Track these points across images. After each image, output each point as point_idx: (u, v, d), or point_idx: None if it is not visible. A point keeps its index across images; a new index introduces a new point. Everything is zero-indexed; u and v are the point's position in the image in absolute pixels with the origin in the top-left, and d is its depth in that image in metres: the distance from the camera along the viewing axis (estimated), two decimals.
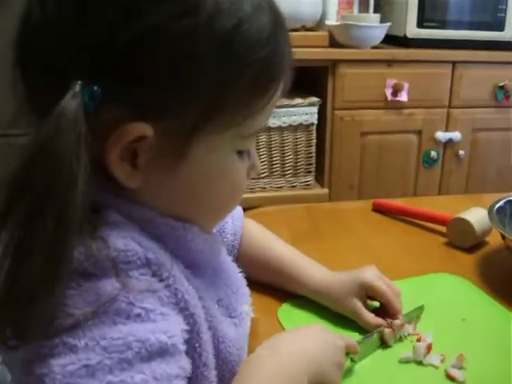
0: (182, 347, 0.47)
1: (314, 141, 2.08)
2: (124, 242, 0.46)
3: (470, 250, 1.01)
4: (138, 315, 0.44)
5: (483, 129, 2.28)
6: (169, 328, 0.46)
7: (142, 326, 0.44)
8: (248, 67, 0.49)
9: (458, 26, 2.19)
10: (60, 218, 0.42)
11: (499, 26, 2.23)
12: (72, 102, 0.43)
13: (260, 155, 2.02)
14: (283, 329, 0.76)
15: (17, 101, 0.49)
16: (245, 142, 0.55)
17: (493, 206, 0.94)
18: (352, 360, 0.68)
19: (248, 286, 0.71)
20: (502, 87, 2.23)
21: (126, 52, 0.45)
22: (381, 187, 2.20)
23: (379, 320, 0.75)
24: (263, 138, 2.01)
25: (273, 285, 0.84)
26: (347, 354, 0.67)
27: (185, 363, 0.47)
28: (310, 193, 2.11)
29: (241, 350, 0.61)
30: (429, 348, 0.71)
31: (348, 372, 0.68)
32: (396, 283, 0.81)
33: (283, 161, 2.07)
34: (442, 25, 2.17)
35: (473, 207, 1.05)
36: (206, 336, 0.53)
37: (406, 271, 0.91)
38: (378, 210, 1.17)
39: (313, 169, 2.12)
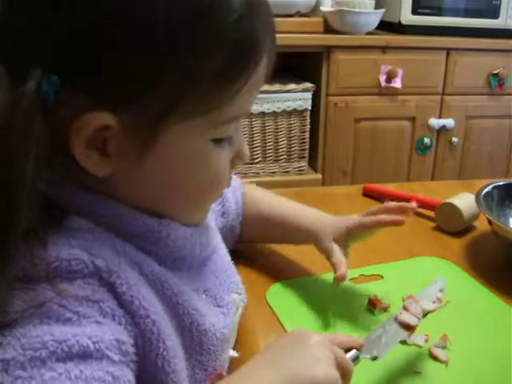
0: (116, 357, 0.44)
1: (308, 126, 2.09)
2: (70, 251, 0.45)
3: (457, 234, 1.02)
4: (69, 319, 0.43)
5: (477, 116, 2.29)
6: (97, 334, 0.44)
7: (66, 328, 0.43)
8: (213, 54, 0.47)
9: (453, 13, 2.20)
10: (6, 210, 0.42)
11: (494, 13, 2.23)
12: (29, 90, 0.42)
13: (254, 140, 2.03)
14: (272, 310, 0.78)
15: None
16: (220, 130, 0.52)
17: (480, 191, 0.96)
18: (374, 358, 0.60)
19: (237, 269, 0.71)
20: (495, 75, 2.24)
21: (83, 41, 0.44)
22: (374, 173, 2.21)
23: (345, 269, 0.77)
24: (257, 123, 2.01)
25: (275, 240, 0.88)
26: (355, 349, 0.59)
27: (120, 373, 0.44)
28: (303, 178, 2.12)
29: (225, 341, 0.61)
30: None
31: None
32: (384, 266, 0.82)
33: (277, 146, 2.08)
34: (437, 12, 2.18)
35: (461, 192, 1.06)
36: (172, 342, 0.52)
37: (394, 255, 0.92)
38: (369, 194, 1.18)
39: (306, 154, 2.13)
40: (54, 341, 0.42)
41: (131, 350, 0.47)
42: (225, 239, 0.82)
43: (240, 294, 0.69)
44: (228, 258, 0.70)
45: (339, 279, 0.75)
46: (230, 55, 0.48)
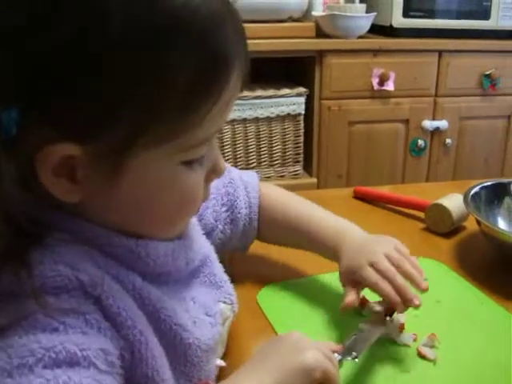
0: (103, 366, 0.45)
1: (302, 131, 2.10)
2: (53, 268, 0.46)
3: (447, 235, 1.03)
4: (56, 329, 0.44)
5: (470, 117, 2.31)
6: (83, 342, 0.44)
7: (53, 336, 0.43)
8: (179, 77, 0.46)
9: (443, 15, 2.21)
10: None
11: (485, 14, 2.25)
12: None
13: (248, 146, 2.05)
14: (263, 314, 0.79)
15: None
16: (191, 153, 0.51)
17: (468, 191, 0.97)
18: (354, 357, 0.62)
19: (228, 273, 0.71)
20: (488, 75, 2.25)
21: (43, 76, 0.44)
22: (369, 176, 2.22)
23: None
24: (252, 128, 2.03)
25: (294, 246, 0.86)
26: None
27: (108, 382, 0.45)
28: (298, 182, 2.13)
29: (211, 352, 0.61)
30: (401, 328, 0.73)
31: None
32: None
33: (271, 151, 2.09)
34: (428, 14, 2.19)
35: (451, 193, 1.07)
36: (159, 352, 0.52)
37: None
38: (360, 197, 1.19)
39: (301, 158, 2.14)
40: (41, 348, 0.42)
41: (117, 362, 0.48)
42: (236, 246, 0.84)
43: (229, 304, 0.69)
44: (219, 268, 0.70)
45: (343, 309, 0.71)
46: (195, 76, 0.47)
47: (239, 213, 0.81)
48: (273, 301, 0.82)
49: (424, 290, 0.70)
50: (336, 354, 0.60)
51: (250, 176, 0.86)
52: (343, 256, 0.76)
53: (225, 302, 0.68)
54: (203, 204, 0.70)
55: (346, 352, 0.62)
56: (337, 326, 0.76)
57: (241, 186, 0.82)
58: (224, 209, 0.81)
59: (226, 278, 0.70)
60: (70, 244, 0.49)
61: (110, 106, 0.45)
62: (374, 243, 0.75)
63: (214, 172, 0.58)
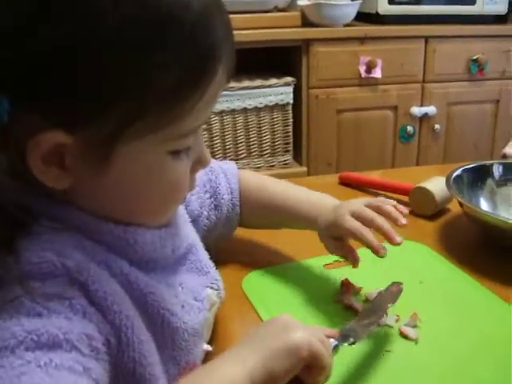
0: (86, 350, 0.46)
1: (291, 120, 2.11)
2: (40, 254, 0.47)
3: (431, 217, 1.04)
4: (39, 313, 0.45)
5: (458, 102, 2.32)
6: (66, 326, 0.45)
7: (36, 320, 0.44)
8: (168, 70, 0.47)
9: (429, 1, 2.22)
10: None
11: None
12: None
13: (237, 136, 2.05)
14: (248, 300, 0.79)
15: None
16: (178, 143, 0.53)
17: (450, 174, 0.98)
18: (352, 343, 0.63)
19: (213, 260, 0.72)
20: (475, 60, 2.26)
21: (35, 66, 0.44)
22: (358, 164, 2.23)
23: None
24: (240, 119, 2.03)
25: (277, 226, 0.89)
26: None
27: (91, 365, 0.45)
28: (288, 171, 2.14)
29: (198, 336, 0.62)
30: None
31: None
32: (359, 252, 0.83)
33: (261, 141, 2.10)
34: (413, 1, 2.20)
35: (434, 176, 1.08)
36: (146, 337, 0.53)
37: None
38: (345, 183, 1.20)
39: (290, 148, 2.15)
40: (23, 331, 0.43)
41: (102, 348, 0.48)
42: (221, 232, 0.85)
43: (216, 290, 0.70)
44: (204, 255, 0.71)
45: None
46: (185, 69, 0.48)
47: (222, 198, 0.83)
48: (257, 286, 0.83)
49: (403, 225, 0.75)
50: (332, 340, 0.60)
51: (228, 164, 0.88)
52: (321, 218, 0.80)
53: (212, 288, 0.69)
54: None
55: (342, 337, 0.62)
56: (319, 310, 0.77)
57: (221, 174, 0.84)
58: (207, 195, 0.82)
59: (211, 264, 0.71)
60: (58, 231, 0.50)
61: (101, 98, 0.46)
62: (351, 202, 0.80)
63: (200, 163, 0.60)
